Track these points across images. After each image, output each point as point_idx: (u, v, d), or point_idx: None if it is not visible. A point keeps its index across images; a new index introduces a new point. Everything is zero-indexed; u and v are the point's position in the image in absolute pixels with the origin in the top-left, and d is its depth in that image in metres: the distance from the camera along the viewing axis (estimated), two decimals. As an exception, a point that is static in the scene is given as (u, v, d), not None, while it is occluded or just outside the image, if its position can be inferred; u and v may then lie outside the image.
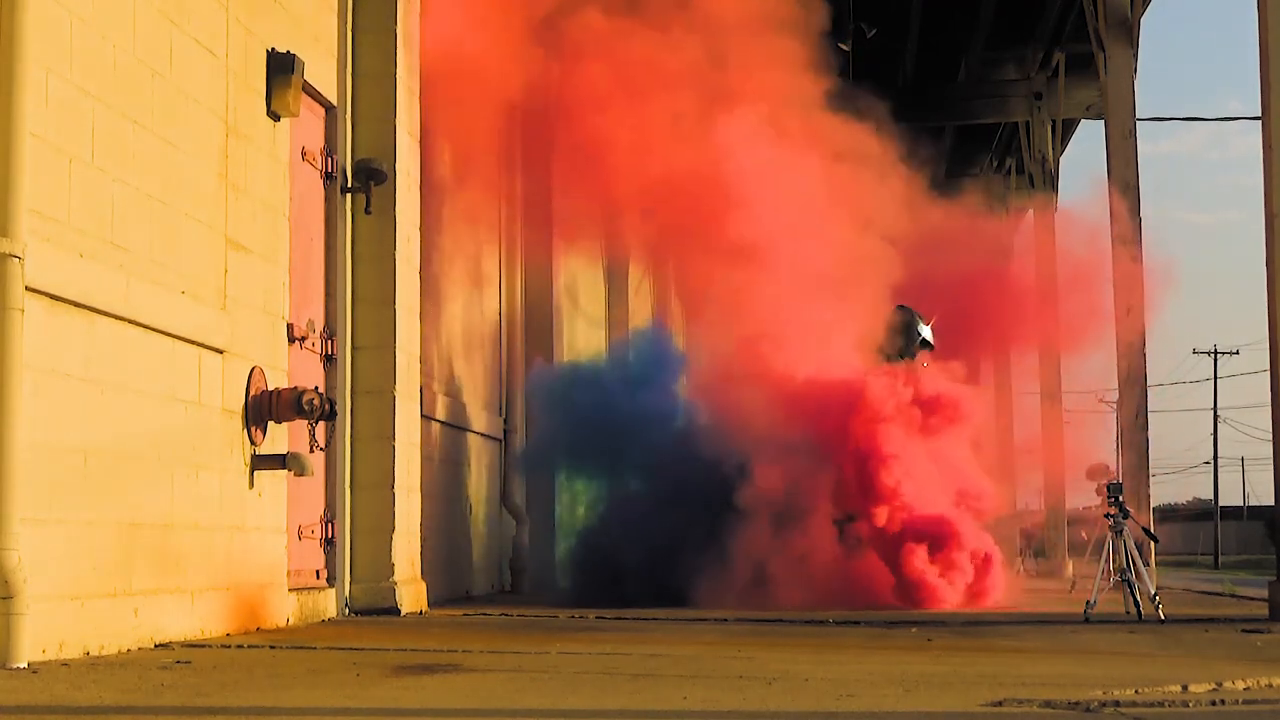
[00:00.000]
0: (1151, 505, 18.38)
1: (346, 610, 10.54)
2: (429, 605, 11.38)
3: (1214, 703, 5.87)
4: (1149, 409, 18.66)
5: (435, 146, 12.22)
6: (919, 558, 13.36)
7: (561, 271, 18.03)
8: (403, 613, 10.66)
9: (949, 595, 13.30)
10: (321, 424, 9.98)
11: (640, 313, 22.33)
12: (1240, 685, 6.34)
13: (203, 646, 7.75)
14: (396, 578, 10.72)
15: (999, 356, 30.68)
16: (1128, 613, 11.75)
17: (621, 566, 13.58)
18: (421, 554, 11.32)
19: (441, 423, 13.82)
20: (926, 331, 15.67)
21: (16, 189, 6.46)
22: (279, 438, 9.37)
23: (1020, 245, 27.07)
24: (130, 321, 7.51)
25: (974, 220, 20.87)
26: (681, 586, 13.20)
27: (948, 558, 13.47)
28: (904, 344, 15.38)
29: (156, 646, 7.61)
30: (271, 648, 7.78)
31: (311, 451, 9.92)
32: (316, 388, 9.83)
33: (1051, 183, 26.37)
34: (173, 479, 8.00)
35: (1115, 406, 20.90)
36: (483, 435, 15.53)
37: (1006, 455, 30.01)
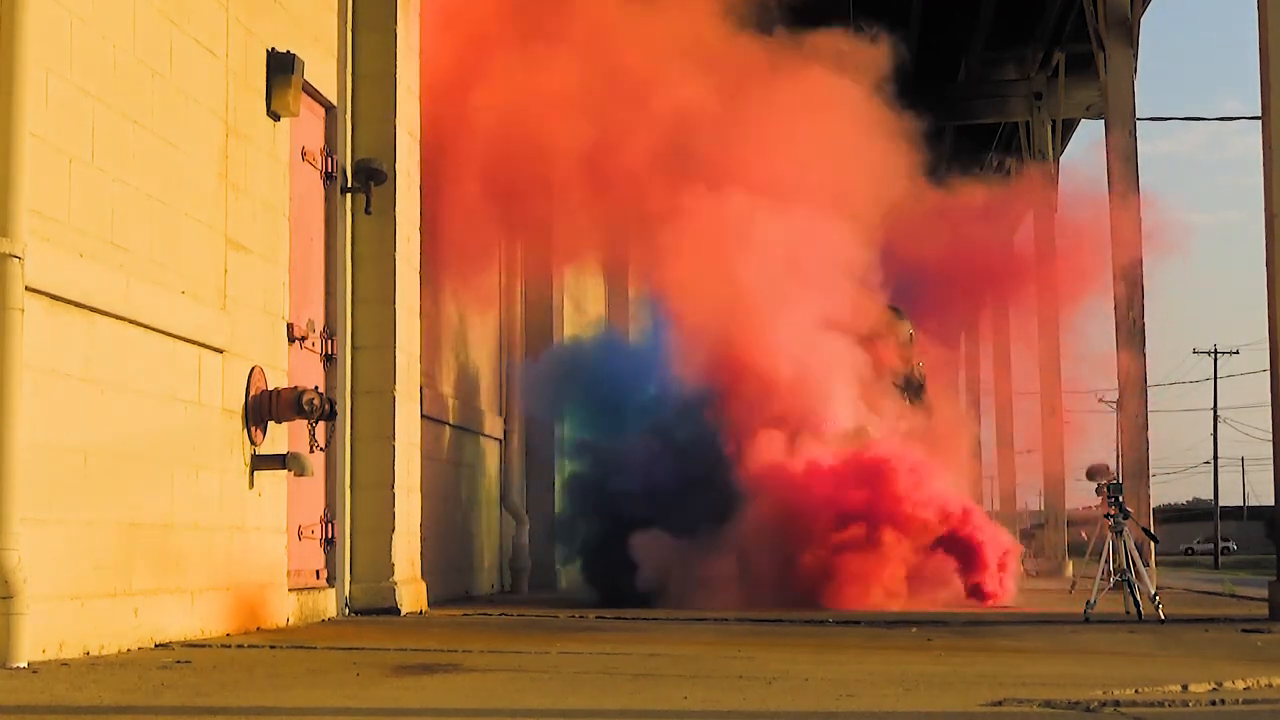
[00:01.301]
0: (1151, 505, 18.37)
1: (346, 610, 10.54)
2: (429, 605, 11.38)
3: (1214, 703, 5.87)
4: (1149, 409, 18.68)
5: (435, 147, 12.19)
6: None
7: (562, 273, 18.00)
8: (403, 613, 10.66)
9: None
10: (321, 424, 9.98)
11: (640, 313, 22.29)
12: (1240, 685, 6.34)
13: (203, 646, 7.75)
14: (396, 578, 10.72)
15: (999, 354, 30.67)
16: (1128, 613, 11.75)
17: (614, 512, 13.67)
18: (421, 554, 11.32)
19: (442, 422, 13.82)
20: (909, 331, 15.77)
21: (16, 189, 6.46)
22: (279, 438, 9.37)
23: (1020, 241, 27.11)
24: (130, 321, 7.51)
25: (978, 200, 20.86)
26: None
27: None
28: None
29: (156, 646, 7.61)
30: (271, 648, 7.77)
31: (311, 451, 9.91)
32: (316, 388, 9.83)
33: (1051, 182, 26.37)
34: (173, 479, 8.00)
35: (1115, 406, 20.91)
36: (483, 435, 15.53)
37: (1006, 455, 30.06)
